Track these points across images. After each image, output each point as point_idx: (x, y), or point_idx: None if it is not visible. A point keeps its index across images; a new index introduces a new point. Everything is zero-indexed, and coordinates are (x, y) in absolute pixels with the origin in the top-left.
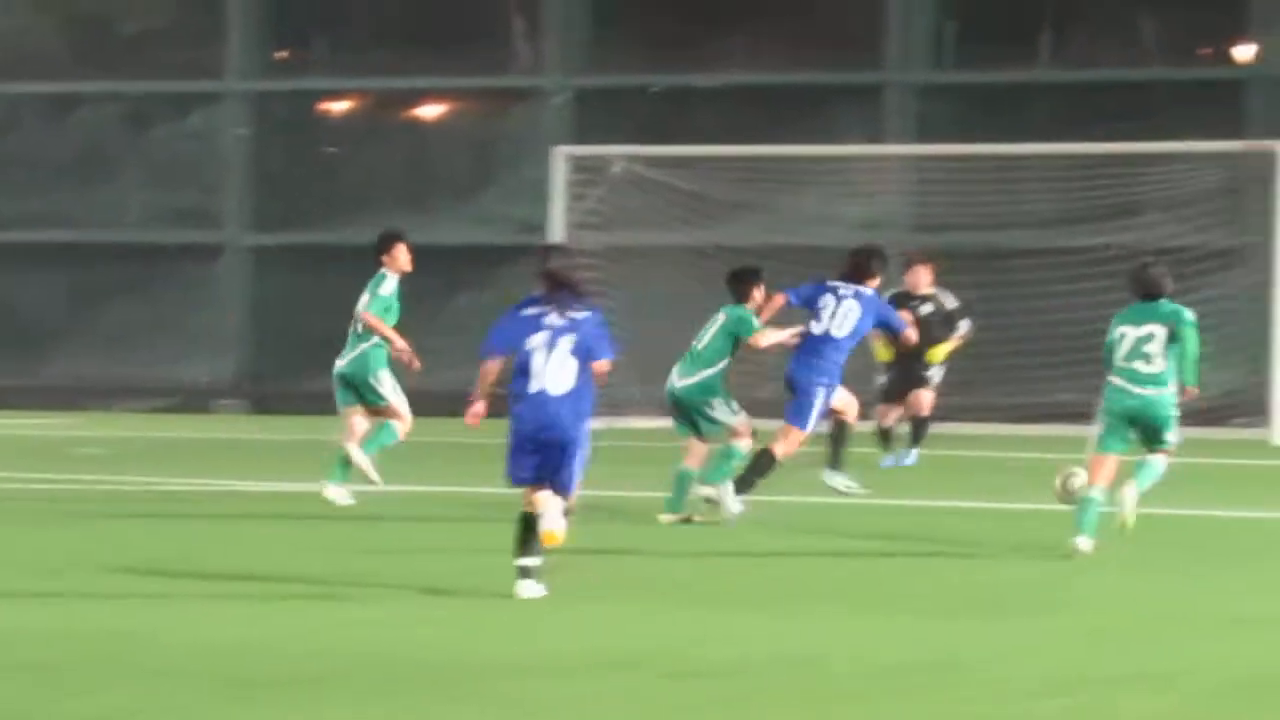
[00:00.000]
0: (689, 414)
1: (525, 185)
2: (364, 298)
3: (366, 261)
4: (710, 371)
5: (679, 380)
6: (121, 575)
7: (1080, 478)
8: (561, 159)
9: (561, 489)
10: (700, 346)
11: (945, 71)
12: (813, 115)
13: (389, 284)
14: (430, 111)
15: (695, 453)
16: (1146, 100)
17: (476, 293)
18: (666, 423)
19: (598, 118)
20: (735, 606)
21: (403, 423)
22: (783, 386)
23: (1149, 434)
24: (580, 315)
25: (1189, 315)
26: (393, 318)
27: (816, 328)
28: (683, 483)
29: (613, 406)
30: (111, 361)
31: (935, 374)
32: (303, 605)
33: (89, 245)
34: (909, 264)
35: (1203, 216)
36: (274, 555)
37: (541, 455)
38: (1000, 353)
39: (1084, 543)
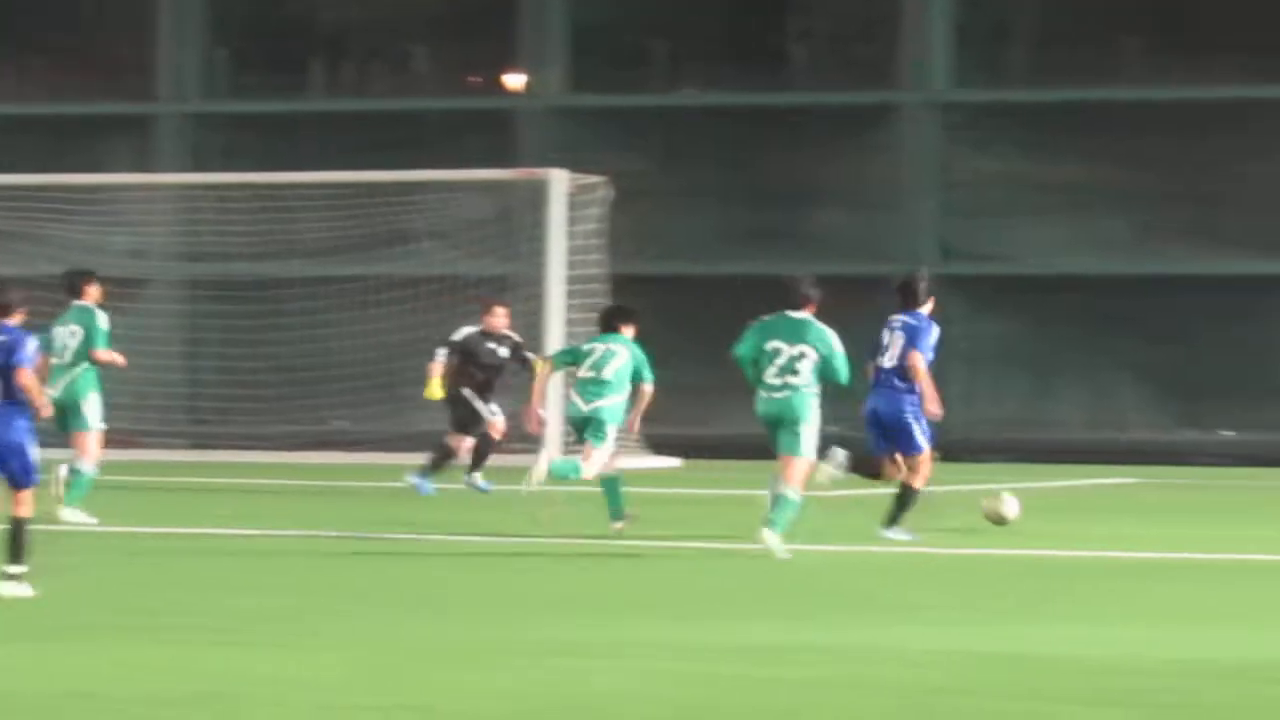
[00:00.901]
0: (594, 427)
1: None
2: (74, 330)
3: None
4: (621, 398)
5: (587, 404)
6: None
7: (1010, 504)
8: None
9: (24, 484)
10: (607, 375)
11: (217, 101)
12: (85, 145)
13: (103, 317)
14: None
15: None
16: (419, 129)
17: None
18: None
19: None
20: (17, 638)
21: (98, 451)
22: (866, 425)
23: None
24: (6, 337)
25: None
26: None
27: (885, 362)
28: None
29: None
30: None
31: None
32: None
33: None
34: (486, 306)
35: (475, 244)
36: None
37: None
38: (272, 381)
39: (770, 536)
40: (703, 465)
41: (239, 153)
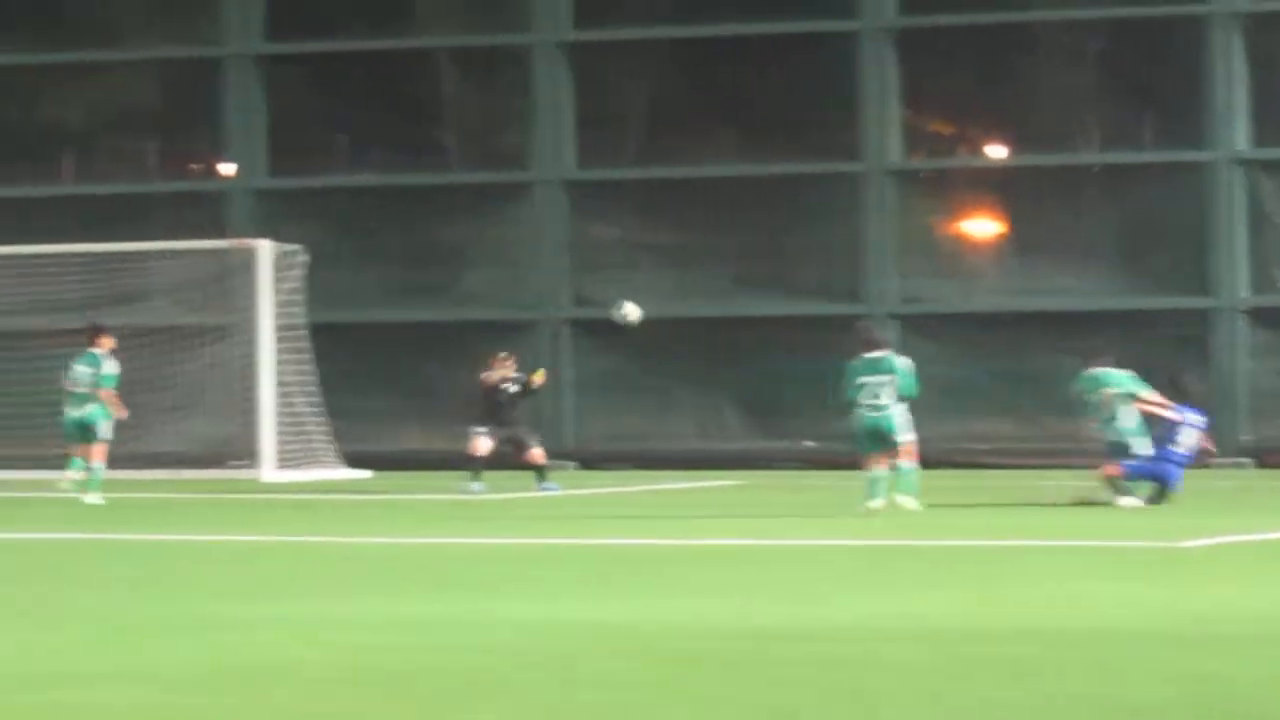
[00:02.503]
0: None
1: None
2: (86, 370)
3: None
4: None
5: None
6: None
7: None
8: None
9: None
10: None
11: None
12: None
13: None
14: None
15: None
16: (149, 207)
17: None
18: None
19: None
20: None
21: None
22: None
23: (888, 442)
24: None
25: (900, 363)
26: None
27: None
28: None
29: None
30: None
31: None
32: None
33: None
34: (492, 361)
35: (199, 300)
36: None
37: None
38: (42, 413)
39: (879, 503)
40: (389, 475)
41: (4, 229)
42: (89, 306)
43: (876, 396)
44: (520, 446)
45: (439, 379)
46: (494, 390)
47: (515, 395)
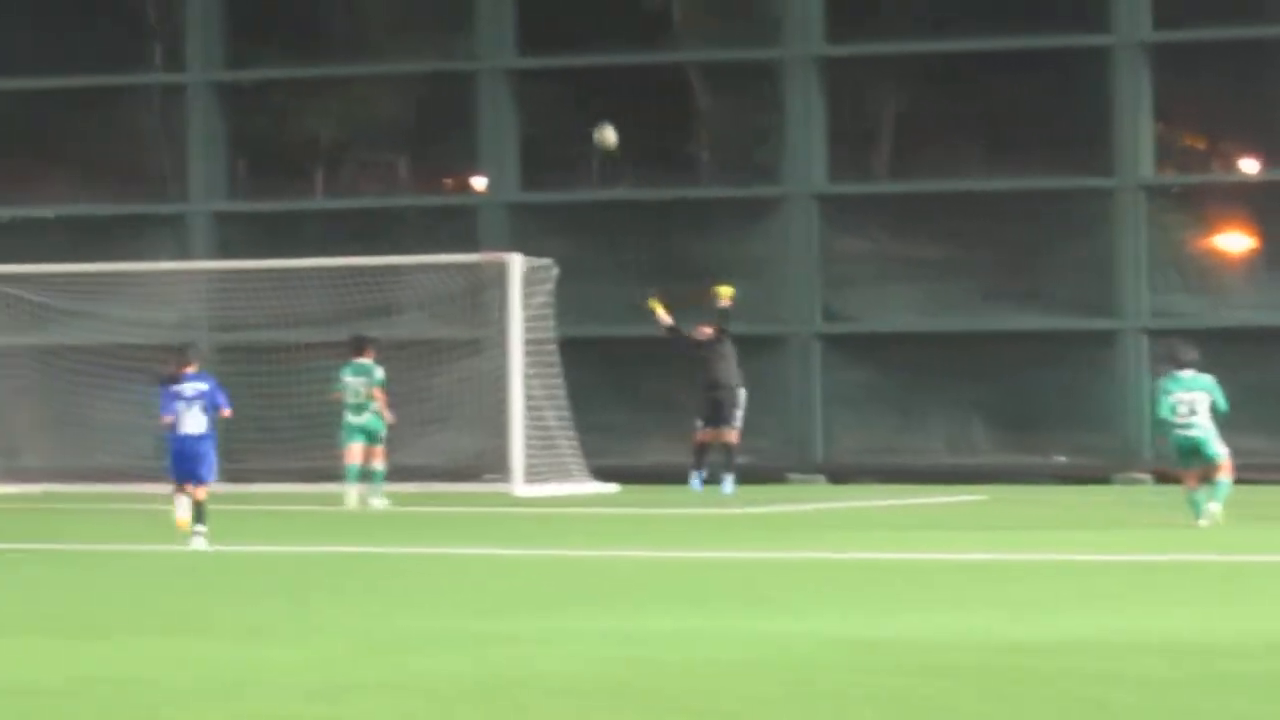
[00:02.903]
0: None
1: None
2: (358, 380)
3: None
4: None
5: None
6: None
7: None
8: None
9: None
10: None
11: (239, 202)
12: (135, 238)
13: (381, 370)
14: None
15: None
16: (402, 221)
17: None
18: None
19: None
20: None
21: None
22: None
23: (1205, 458)
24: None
25: (1213, 380)
26: None
27: None
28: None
29: None
30: None
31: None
32: None
33: None
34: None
35: (450, 314)
36: None
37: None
38: (290, 426)
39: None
40: (635, 489)
41: (257, 243)
42: (341, 320)
43: (1193, 414)
44: (719, 412)
45: (681, 394)
46: (699, 345)
47: (718, 340)
